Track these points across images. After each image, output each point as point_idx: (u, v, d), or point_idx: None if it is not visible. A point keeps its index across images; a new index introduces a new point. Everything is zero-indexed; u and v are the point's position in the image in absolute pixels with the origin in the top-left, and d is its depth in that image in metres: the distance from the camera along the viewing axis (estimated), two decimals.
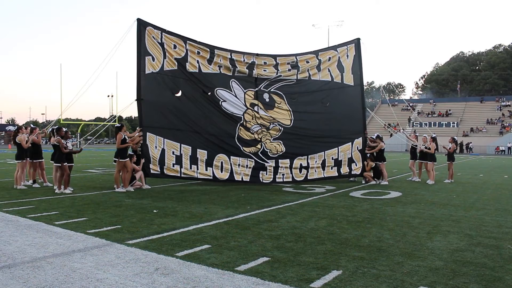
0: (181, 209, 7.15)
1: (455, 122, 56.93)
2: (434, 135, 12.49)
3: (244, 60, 11.29)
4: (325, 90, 12.09)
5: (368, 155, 11.97)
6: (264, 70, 11.58)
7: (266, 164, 11.12)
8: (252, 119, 11.25)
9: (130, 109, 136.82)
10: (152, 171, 10.11)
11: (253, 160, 11.04)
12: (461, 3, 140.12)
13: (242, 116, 11.14)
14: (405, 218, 6.47)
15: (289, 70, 11.82)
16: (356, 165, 11.92)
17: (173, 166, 10.27)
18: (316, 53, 12.17)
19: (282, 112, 11.61)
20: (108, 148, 48.49)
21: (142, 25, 10.13)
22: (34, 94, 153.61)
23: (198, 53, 10.84)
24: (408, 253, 4.45)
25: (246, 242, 4.85)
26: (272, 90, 11.63)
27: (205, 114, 10.81)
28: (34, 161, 10.26)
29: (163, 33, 10.41)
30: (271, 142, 11.31)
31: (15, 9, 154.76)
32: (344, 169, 11.79)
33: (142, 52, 10.07)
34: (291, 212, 6.98)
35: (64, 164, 9.03)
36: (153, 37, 10.22)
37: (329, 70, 12.11)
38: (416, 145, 12.44)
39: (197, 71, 10.78)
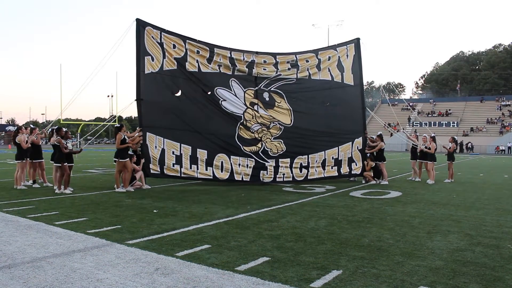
0: (181, 209, 7.15)
1: (455, 122, 56.93)
2: (433, 135, 12.49)
3: (243, 59, 11.28)
4: (326, 89, 12.08)
5: (368, 154, 11.96)
6: (264, 69, 11.58)
7: (266, 163, 11.11)
8: (252, 118, 11.24)
9: (130, 109, 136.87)
10: (152, 171, 10.11)
11: (253, 159, 11.02)
12: (461, 3, 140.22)
13: (242, 115, 11.13)
14: (405, 218, 6.47)
15: (289, 69, 11.82)
16: (356, 164, 11.92)
17: (173, 166, 10.27)
18: (316, 52, 12.16)
19: (282, 111, 11.61)
20: (108, 148, 48.49)
21: (141, 25, 10.14)
22: (34, 94, 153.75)
23: (198, 52, 10.84)
24: (408, 253, 4.45)
25: (246, 242, 4.85)
26: (272, 89, 11.63)
27: (205, 114, 10.80)
28: (34, 161, 10.26)
29: (162, 33, 10.41)
30: (271, 141, 11.30)
31: (15, 9, 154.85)
32: (344, 169, 11.79)
33: (141, 52, 10.08)
34: (291, 212, 6.98)
35: (64, 164, 9.03)
36: (152, 37, 10.22)
37: (329, 70, 12.11)
38: (417, 145, 12.43)
39: (197, 70, 10.78)
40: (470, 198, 8.93)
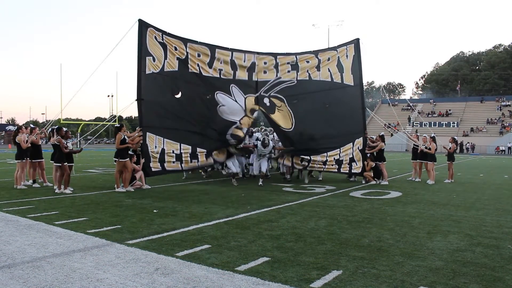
0: (181, 209, 7.15)
1: (455, 122, 56.92)
2: (433, 135, 12.49)
3: (244, 61, 11.28)
4: (326, 90, 12.08)
5: (368, 155, 11.96)
6: (264, 72, 11.60)
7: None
8: (247, 122, 11.36)
9: (130, 109, 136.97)
10: (153, 169, 10.11)
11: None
12: (461, 3, 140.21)
13: (238, 121, 11.20)
14: (405, 218, 6.47)
15: (289, 71, 11.82)
16: (356, 164, 11.92)
17: (173, 163, 10.31)
18: (315, 53, 12.17)
19: (283, 115, 11.59)
20: (108, 148, 48.51)
21: (143, 26, 10.15)
22: (34, 94, 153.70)
23: (199, 55, 10.83)
24: (408, 253, 4.45)
25: (246, 242, 4.85)
26: (272, 94, 11.65)
27: (204, 116, 10.85)
28: (34, 161, 10.25)
29: (164, 35, 10.43)
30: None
31: (15, 8, 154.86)
32: (345, 168, 11.79)
33: (143, 53, 10.09)
34: (291, 212, 6.98)
35: (64, 164, 9.03)
36: (155, 37, 10.24)
37: (329, 70, 12.10)
38: (418, 145, 12.43)
39: (198, 73, 10.81)
40: (470, 198, 8.93)
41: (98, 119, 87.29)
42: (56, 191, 9.03)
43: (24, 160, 10.04)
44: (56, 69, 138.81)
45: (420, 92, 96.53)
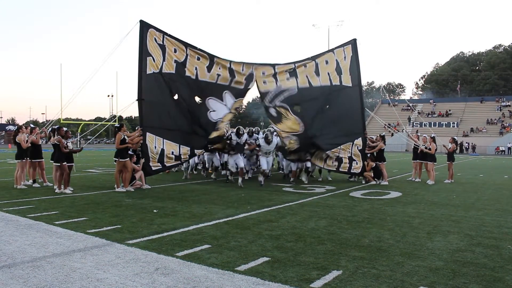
0: (181, 209, 7.15)
1: (455, 122, 56.93)
2: (433, 135, 12.49)
3: (242, 70, 11.24)
4: (326, 94, 12.05)
5: (368, 155, 11.96)
6: (264, 83, 11.64)
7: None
8: (228, 118, 11.41)
9: (130, 109, 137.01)
10: (153, 168, 10.12)
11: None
12: (461, 3, 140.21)
13: (221, 118, 11.14)
14: (405, 218, 6.47)
15: (288, 79, 11.81)
16: (356, 163, 11.92)
17: (173, 161, 10.40)
18: (313, 58, 12.17)
19: (290, 121, 11.59)
20: (108, 148, 48.50)
21: (144, 27, 10.15)
22: (34, 94, 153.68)
23: (198, 59, 10.80)
24: (408, 253, 4.45)
25: (246, 242, 4.85)
26: (277, 104, 11.64)
27: (197, 120, 10.83)
28: (34, 160, 10.25)
29: (164, 36, 10.42)
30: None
31: (15, 8, 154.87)
32: (344, 167, 11.78)
33: (143, 53, 10.10)
34: (291, 212, 6.98)
35: (64, 163, 9.02)
36: (154, 38, 10.25)
37: (328, 74, 12.08)
38: (418, 145, 12.43)
39: (194, 77, 10.74)
40: (470, 198, 8.93)
41: (98, 119, 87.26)
42: (56, 191, 9.03)
43: (24, 160, 10.04)
44: (56, 69, 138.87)
45: (420, 92, 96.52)
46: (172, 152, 10.30)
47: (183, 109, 10.66)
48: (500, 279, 3.68)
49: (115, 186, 9.71)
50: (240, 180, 10.68)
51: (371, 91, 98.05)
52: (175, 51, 10.55)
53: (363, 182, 11.85)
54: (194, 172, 13.93)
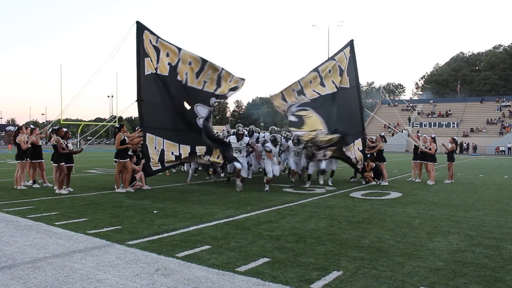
0: (181, 209, 7.15)
1: (455, 123, 56.95)
2: (433, 135, 12.50)
3: (230, 82, 10.95)
4: (333, 99, 12.01)
5: (368, 155, 11.97)
6: (277, 107, 11.76)
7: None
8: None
9: (130, 110, 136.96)
10: (153, 168, 10.09)
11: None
12: (460, 3, 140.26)
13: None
14: (405, 219, 6.47)
15: (297, 98, 11.75)
16: (359, 163, 11.93)
17: (172, 162, 10.34)
18: (316, 70, 12.10)
19: (313, 119, 11.43)
20: (108, 148, 48.50)
21: (140, 28, 10.14)
22: (34, 95, 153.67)
23: (190, 63, 10.62)
24: (409, 254, 4.45)
25: (246, 243, 4.85)
26: (293, 110, 11.49)
27: (190, 121, 10.71)
28: (34, 161, 10.25)
29: (158, 39, 10.38)
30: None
31: (15, 9, 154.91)
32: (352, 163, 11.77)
33: (141, 54, 10.09)
34: (291, 212, 6.98)
35: (62, 164, 9.00)
36: (150, 40, 10.24)
37: (333, 82, 12.10)
38: (418, 146, 12.43)
39: (184, 82, 10.63)
40: (470, 199, 8.93)
41: (98, 119, 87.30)
42: (56, 192, 9.02)
43: (24, 161, 10.04)
44: (56, 69, 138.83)
45: (420, 92, 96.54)
46: (172, 152, 10.28)
47: (178, 110, 10.57)
48: (500, 279, 3.68)
49: (115, 186, 9.71)
50: (238, 181, 9.95)
51: (371, 92, 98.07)
52: (167, 55, 10.43)
53: (363, 182, 11.85)
54: (195, 174, 13.86)
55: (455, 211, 7.25)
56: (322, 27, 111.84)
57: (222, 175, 12.76)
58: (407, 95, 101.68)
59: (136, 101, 10.10)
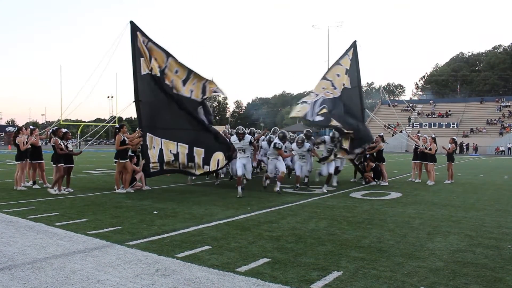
0: (182, 210, 7.15)
1: (455, 123, 56.98)
2: (433, 136, 12.50)
3: (212, 89, 10.90)
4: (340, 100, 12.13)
5: (367, 155, 11.97)
6: (298, 113, 11.94)
7: None
8: None
9: (130, 110, 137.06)
10: (152, 170, 10.06)
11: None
12: (460, 4, 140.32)
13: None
14: (405, 219, 6.47)
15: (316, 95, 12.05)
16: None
17: (172, 162, 10.20)
18: (324, 77, 12.32)
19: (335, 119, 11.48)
20: (107, 149, 48.49)
21: (134, 28, 10.10)
22: (34, 95, 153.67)
23: (176, 72, 10.51)
24: (409, 254, 4.46)
25: (246, 243, 4.85)
26: (317, 110, 11.46)
27: (191, 117, 10.65)
28: (34, 162, 10.25)
29: (149, 42, 10.33)
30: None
31: (14, 9, 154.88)
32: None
33: (136, 54, 10.04)
34: (291, 213, 6.98)
35: (59, 165, 8.99)
36: (142, 41, 10.21)
37: (343, 84, 12.19)
38: (418, 146, 12.44)
39: (171, 86, 10.55)
40: (470, 199, 8.93)
41: (98, 120, 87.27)
42: (56, 192, 9.01)
43: (24, 161, 10.03)
44: (56, 70, 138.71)
45: (420, 93, 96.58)
46: (170, 151, 10.24)
47: (175, 109, 10.48)
48: (500, 279, 3.68)
49: (115, 187, 9.71)
50: (240, 189, 9.15)
51: (370, 92, 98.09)
52: (155, 59, 10.37)
53: (363, 182, 11.85)
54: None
55: (455, 211, 7.25)
56: (322, 27, 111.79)
57: (222, 176, 12.73)
58: (407, 95, 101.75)
59: (134, 101, 10.08)
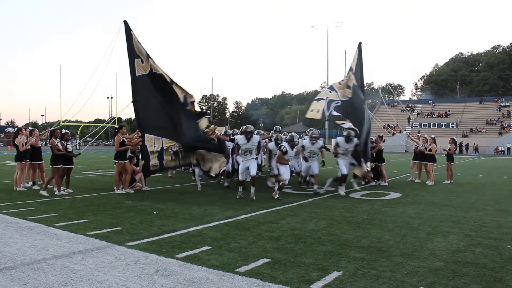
0: (181, 210, 7.15)
1: (455, 123, 57.01)
2: (433, 136, 12.51)
3: (191, 98, 10.89)
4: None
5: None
6: (312, 111, 11.94)
7: None
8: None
9: (130, 111, 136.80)
10: (152, 168, 10.03)
11: None
12: (460, 4, 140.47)
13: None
14: (405, 219, 6.48)
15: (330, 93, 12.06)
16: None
17: (172, 159, 10.17)
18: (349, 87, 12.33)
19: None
20: (107, 149, 48.47)
21: (128, 28, 10.04)
22: (34, 96, 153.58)
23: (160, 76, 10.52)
24: (408, 254, 4.46)
25: (246, 244, 4.85)
26: (335, 105, 11.59)
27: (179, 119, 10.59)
28: (33, 163, 10.24)
29: (138, 43, 10.27)
30: None
31: (14, 9, 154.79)
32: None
33: (132, 55, 10.01)
34: (291, 213, 6.98)
35: (58, 166, 8.98)
36: (138, 41, 10.17)
37: (353, 84, 12.29)
38: (418, 146, 12.44)
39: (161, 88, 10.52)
40: (470, 199, 8.94)
41: (98, 120, 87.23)
42: (56, 193, 9.02)
43: (23, 162, 10.03)
44: (55, 70, 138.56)
45: (419, 93, 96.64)
46: (171, 148, 10.23)
47: (169, 108, 10.42)
48: (500, 279, 3.68)
49: (115, 188, 9.71)
50: (241, 189, 8.82)
51: (370, 92, 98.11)
52: (142, 61, 10.27)
53: (363, 183, 11.86)
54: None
55: (454, 211, 7.25)
56: (322, 27, 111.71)
57: (226, 184, 12.67)
58: (406, 95, 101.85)
59: (132, 102, 10.06)
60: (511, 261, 4.26)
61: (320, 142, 10.01)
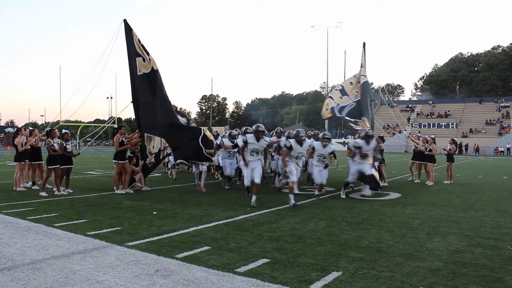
0: (181, 210, 7.15)
1: (454, 123, 57.02)
2: (433, 136, 12.52)
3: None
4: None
5: None
6: (326, 110, 12.54)
7: None
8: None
9: (129, 111, 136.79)
10: (149, 165, 10.05)
11: None
12: (459, 4, 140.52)
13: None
14: (405, 219, 6.48)
15: (341, 97, 12.49)
16: None
17: (168, 156, 10.28)
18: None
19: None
20: (107, 150, 48.45)
21: (128, 27, 10.01)
22: (33, 96, 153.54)
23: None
24: (408, 254, 4.46)
25: (246, 244, 4.85)
26: (345, 116, 11.93)
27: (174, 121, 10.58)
28: (33, 163, 10.24)
29: (140, 42, 10.28)
30: None
31: (14, 10, 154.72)
32: None
33: (132, 54, 9.99)
34: (290, 213, 6.98)
35: (55, 166, 8.97)
36: (138, 40, 10.13)
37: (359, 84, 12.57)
38: (418, 146, 12.45)
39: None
40: (469, 199, 8.95)
41: (97, 120, 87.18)
42: (55, 193, 9.02)
43: (23, 162, 10.02)
44: (55, 70, 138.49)
45: (419, 93, 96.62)
46: (167, 150, 10.24)
47: (168, 109, 10.43)
48: (499, 280, 3.69)
49: (115, 188, 9.70)
50: (254, 198, 7.82)
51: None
52: (143, 60, 10.26)
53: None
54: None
55: (454, 212, 7.26)
56: (321, 28, 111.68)
57: (220, 179, 12.69)
58: (406, 95, 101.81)
59: (132, 102, 10.06)
60: (510, 261, 4.26)
61: (332, 146, 9.14)
